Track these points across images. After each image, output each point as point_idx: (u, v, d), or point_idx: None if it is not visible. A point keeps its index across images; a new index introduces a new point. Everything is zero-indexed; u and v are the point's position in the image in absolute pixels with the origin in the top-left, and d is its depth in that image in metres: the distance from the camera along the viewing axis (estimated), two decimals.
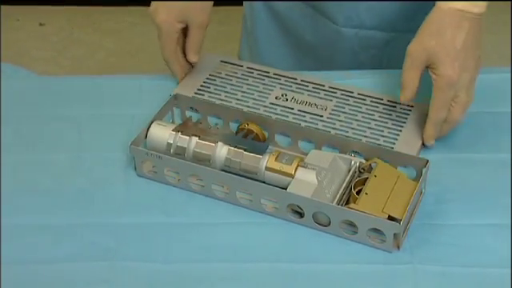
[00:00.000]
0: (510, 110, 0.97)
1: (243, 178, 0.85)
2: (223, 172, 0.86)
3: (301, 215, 0.84)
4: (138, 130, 0.91)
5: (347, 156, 0.88)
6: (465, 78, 0.86)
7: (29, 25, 2.53)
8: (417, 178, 0.86)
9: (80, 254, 0.82)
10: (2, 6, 2.51)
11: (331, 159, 0.86)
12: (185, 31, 0.97)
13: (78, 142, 0.96)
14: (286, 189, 0.83)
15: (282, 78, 1.01)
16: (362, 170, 0.86)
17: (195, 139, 0.88)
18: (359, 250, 0.81)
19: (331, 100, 0.98)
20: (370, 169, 0.86)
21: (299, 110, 0.96)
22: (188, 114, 0.97)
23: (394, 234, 0.79)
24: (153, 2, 0.95)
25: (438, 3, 0.86)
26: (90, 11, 2.57)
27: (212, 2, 0.98)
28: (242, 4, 1.19)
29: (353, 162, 0.87)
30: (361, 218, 0.80)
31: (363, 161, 0.87)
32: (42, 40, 2.47)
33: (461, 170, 0.90)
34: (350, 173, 0.86)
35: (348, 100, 0.98)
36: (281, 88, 1.00)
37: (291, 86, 1.00)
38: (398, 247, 0.81)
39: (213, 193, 0.87)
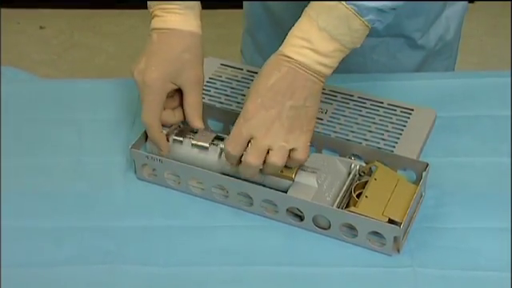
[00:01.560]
0: (510, 114, 0.97)
1: (243, 182, 0.85)
2: (223, 175, 0.86)
3: (301, 218, 0.84)
4: (138, 133, 0.91)
5: (347, 159, 0.88)
6: (263, 118, 0.79)
7: (29, 28, 2.53)
8: (417, 182, 0.86)
9: (80, 257, 0.82)
10: (3, 9, 2.51)
11: (331, 162, 0.86)
12: (170, 96, 0.88)
13: (79, 145, 0.96)
14: (286, 192, 0.83)
15: None
16: (362, 173, 0.86)
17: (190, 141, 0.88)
18: (359, 253, 0.81)
19: (331, 103, 0.98)
20: (370, 172, 0.86)
21: None
22: None
23: (394, 238, 0.80)
24: (138, 60, 0.87)
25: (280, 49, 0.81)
26: (90, 14, 2.57)
27: (202, 52, 0.88)
28: (241, 7, 1.19)
29: (353, 165, 0.87)
30: (361, 221, 0.80)
31: (363, 164, 0.87)
32: (43, 43, 2.47)
33: (461, 173, 0.90)
34: (350, 176, 0.86)
35: (348, 103, 0.98)
36: None
37: None
38: (398, 250, 0.81)
39: (213, 196, 0.87)
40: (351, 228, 0.82)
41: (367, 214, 0.80)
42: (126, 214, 0.87)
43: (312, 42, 0.79)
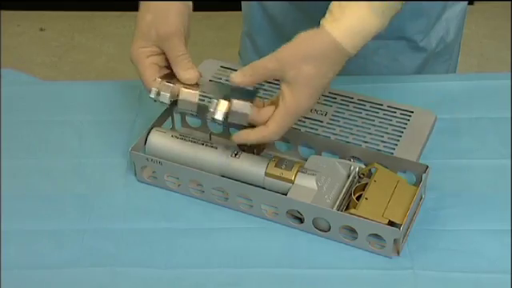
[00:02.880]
0: (509, 116, 0.97)
1: (243, 184, 0.85)
2: (223, 177, 0.86)
3: (301, 221, 0.84)
4: (138, 135, 0.92)
5: (347, 161, 0.88)
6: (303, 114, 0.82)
7: (29, 30, 2.53)
8: (417, 184, 0.86)
9: (80, 260, 0.82)
10: (3, 12, 2.51)
11: (331, 164, 0.86)
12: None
13: (79, 147, 0.96)
14: (286, 194, 0.83)
15: None
16: (362, 176, 0.86)
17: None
18: (359, 255, 0.81)
19: (331, 105, 0.98)
20: (369, 174, 0.86)
21: None
22: (188, 119, 0.97)
23: (394, 240, 0.80)
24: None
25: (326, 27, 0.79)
26: (90, 16, 2.57)
27: (174, 8, 0.86)
28: (240, 9, 1.19)
29: (352, 168, 0.87)
30: (360, 223, 0.80)
31: (363, 166, 0.87)
32: (43, 45, 2.47)
33: (461, 175, 0.90)
34: (350, 178, 0.86)
35: (348, 105, 0.98)
36: None
37: None
38: (398, 253, 0.81)
39: (213, 198, 0.87)
40: (351, 230, 0.82)
41: (367, 216, 0.80)
42: (126, 216, 0.87)
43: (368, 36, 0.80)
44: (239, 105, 0.81)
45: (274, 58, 0.80)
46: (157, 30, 0.85)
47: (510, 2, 2.41)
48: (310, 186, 0.83)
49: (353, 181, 0.86)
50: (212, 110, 0.82)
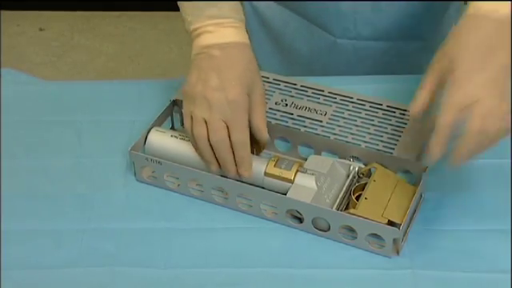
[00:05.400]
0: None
1: (243, 184, 0.85)
2: (223, 177, 0.86)
3: (300, 220, 0.84)
4: (137, 135, 0.91)
5: (346, 161, 0.88)
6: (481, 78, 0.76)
7: (29, 30, 2.53)
8: (416, 183, 0.86)
9: (80, 260, 0.82)
10: (3, 11, 2.51)
11: (330, 164, 0.86)
12: None
13: (78, 147, 0.96)
14: (285, 194, 0.83)
15: (282, 84, 1.01)
16: (361, 175, 0.86)
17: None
18: (359, 255, 0.81)
19: (331, 105, 0.98)
20: (369, 174, 0.86)
21: (299, 116, 0.96)
22: None
23: (394, 240, 0.80)
24: (203, 79, 0.84)
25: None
26: (90, 16, 2.57)
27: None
28: None
29: (352, 167, 0.87)
30: (360, 223, 0.80)
31: (362, 166, 0.87)
32: (42, 45, 2.47)
33: (460, 175, 0.90)
34: (349, 178, 0.86)
35: (347, 105, 0.98)
36: (280, 93, 1.00)
37: (291, 92, 1.00)
38: (398, 252, 0.81)
39: (212, 198, 0.87)
40: (350, 230, 0.82)
41: (366, 215, 0.80)
42: (126, 216, 0.87)
43: None
44: None
45: None
46: (259, 83, 0.85)
47: None
48: (309, 185, 0.83)
49: (352, 180, 0.86)
50: None
